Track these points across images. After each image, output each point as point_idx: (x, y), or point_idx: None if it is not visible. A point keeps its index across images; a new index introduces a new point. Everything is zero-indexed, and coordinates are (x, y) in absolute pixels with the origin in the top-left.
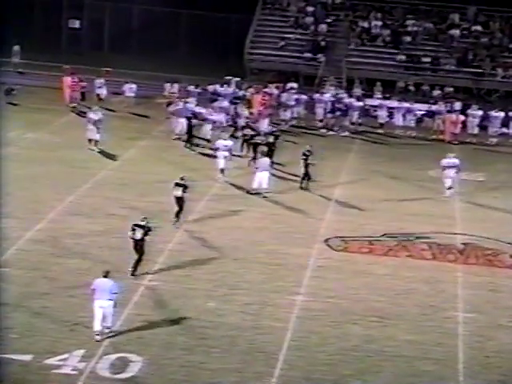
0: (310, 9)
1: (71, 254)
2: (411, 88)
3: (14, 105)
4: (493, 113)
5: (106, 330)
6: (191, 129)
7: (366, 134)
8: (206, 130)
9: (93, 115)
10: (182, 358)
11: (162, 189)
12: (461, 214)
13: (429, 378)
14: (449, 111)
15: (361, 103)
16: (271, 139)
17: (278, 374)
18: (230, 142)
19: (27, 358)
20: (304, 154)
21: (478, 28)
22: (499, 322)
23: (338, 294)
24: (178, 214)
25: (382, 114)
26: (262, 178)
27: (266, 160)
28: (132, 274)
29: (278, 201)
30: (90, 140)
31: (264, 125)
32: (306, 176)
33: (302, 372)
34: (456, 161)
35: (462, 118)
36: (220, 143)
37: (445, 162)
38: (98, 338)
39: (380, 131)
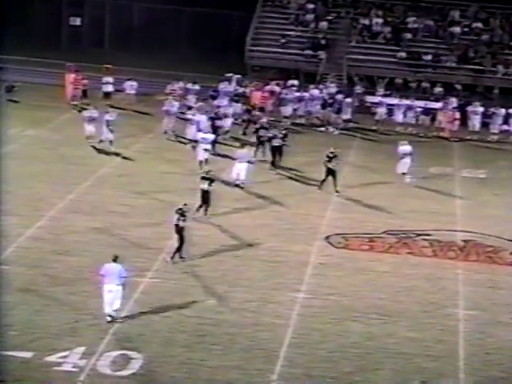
0: (311, 6)
1: (71, 252)
2: (412, 85)
3: (15, 102)
4: (493, 110)
5: (114, 314)
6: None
7: (365, 131)
8: (191, 130)
9: (108, 116)
10: (182, 356)
11: (163, 186)
12: (462, 211)
13: (429, 375)
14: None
15: (350, 99)
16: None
17: (278, 371)
18: (210, 136)
19: (28, 355)
20: (327, 156)
21: (479, 25)
22: (499, 318)
23: (339, 291)
24: (203, 208)
25: (381, 112)
26: (240, 170)
27: (245, 151)
28: (171, 258)
29: (278, 198)
30: (88, 137)
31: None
32: (330, 178)
33: (303, 369)
34: (410, 148)
35: (457, 114)
36: (200, 136)
37: (401, 149)
38: (108, 319)
39: (375, 128)
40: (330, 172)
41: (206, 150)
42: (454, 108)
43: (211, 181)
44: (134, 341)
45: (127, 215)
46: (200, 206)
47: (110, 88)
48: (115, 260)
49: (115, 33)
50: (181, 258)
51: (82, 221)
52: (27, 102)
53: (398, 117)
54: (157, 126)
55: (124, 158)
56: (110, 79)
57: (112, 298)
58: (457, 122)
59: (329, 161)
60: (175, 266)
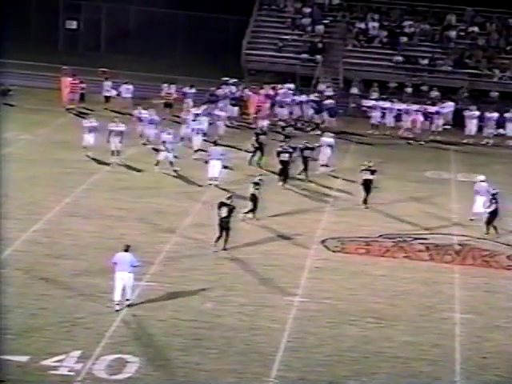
0: (307, 10)
1: (68, 255)
2: (408, 89)
3: (11, 106)
4: (487, 114)
5: (126, 302)
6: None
7: (360, 135)
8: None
9: (116, 128)
10: (178, 359)
11: (159, 190)
12: (458, 214)
13: (426, 379)
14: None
15: (330, 101)
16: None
17: (274, 374)
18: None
19: (24, 358)
20: (366, 170)
21: (475, 29)
22: (496, 322)
23: (335, 294)
24: (252, 211)
25: (376, 115)
26: (214, 167)
27: (218, 149)
28: (224, 249)
29: (274, 202)
30: (85, 147)
31: (264, 125)
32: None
33: (299, 373)
34: (332, 140)
35: (420, 117)
36: (164, 137)
37: (323, 140)
38: (117, 307)
39: (370, 132)
40: (366, 185)
41: (167, 150)
42: (417, 111)
43: (257, 184)
44: (130, 344)
45: (124, 219)
46: (251, 210)
47: (112, 92)
48: (127, 250)
49: (111, 36)
50: (224, 249)
51: (79, 224)
52: (23, 106)
53: (390, 121)
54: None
55: (120, 161)
56: (110, 84)
57: (123, 285)
58: (418, 125)
59: (370, 172)
60: (171, 269)
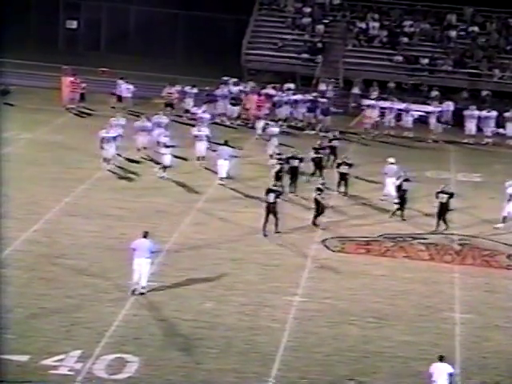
0: (307, 10)
1: (68, 255)
2: (406, 87)
3: (11, 105)
4: (484, 113)
5: (142, 290)
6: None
7: (361, 134)
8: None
9: (106, 134)
10: (178, 359)
11: (159, 190)
12: (458, 214)
13: (425, 379)
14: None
15: (323, 100)
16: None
17: (274, 374)
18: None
19: (24, 358)
20: (443, 192)
21: (475, 29)
22: (496, 322)
23: (335, 294)
24: (316, 217)
25: (374, 115)
26: (222, 166)
27: (228, 149)
28: (276, 232)
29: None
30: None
31: (260, 125)
32: (441, 218)
33: (299, 372)
34: (229, 150)
35: (374, 113)
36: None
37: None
38: (133, 287)
39: (372, 132)
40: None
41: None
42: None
43: (278, 193)
44: (130, 344)
45: (124, 218)
46: (316, 216)
47: (124, 92)
48: (145, 236)
49: (111, 36)
50: (277, 232)
51: (79, 224)
52: (23, 105)
53: (389, 121)
54: None
55: (120, 161)
56: (123, 82)
57: (141, 271)
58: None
59: (447, 197)
60: (171, 269)
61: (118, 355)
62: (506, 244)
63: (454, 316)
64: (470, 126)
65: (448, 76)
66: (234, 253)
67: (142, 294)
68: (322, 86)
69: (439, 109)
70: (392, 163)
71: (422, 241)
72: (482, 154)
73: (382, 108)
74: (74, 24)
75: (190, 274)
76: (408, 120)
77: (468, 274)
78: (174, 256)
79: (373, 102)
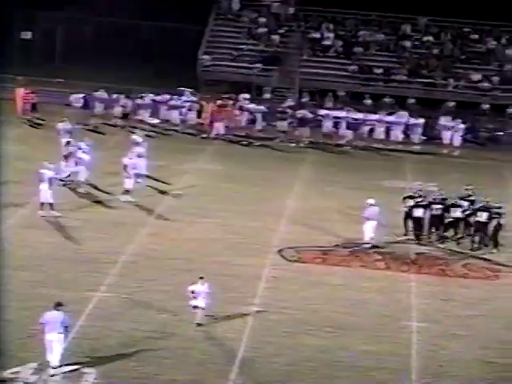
0: (263, 20)
1: (24, 266)
2: (367, 102)
3: None
4: (412, 120)
5: (52, 371)
6: None
7: (317, 144)
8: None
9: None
10: (135, 370)
11: (114, 200)
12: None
13: None
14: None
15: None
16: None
17: None
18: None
19: None
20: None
21: (430, 39)
22: (452, 331)
23: (292, 304)
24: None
25: (328, 125)
26: (369, 228)
27: (376, 209)
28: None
29: (230, 212)
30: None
31: (220, 131)
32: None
33: (257, 383)
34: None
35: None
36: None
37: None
38: (51, 372)
39: (327, 141)
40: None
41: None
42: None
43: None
44: (87, 355)
45: (80, 229)
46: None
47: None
48: (57, 307)
49: (67, 47)
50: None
51: (35, 235)
52: None
53: (343, 130)
54: (111, 140)
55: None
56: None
57: (54, 347)
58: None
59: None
60: (128, 280)
61: (75, 367)
62: (461, 253)
63: (411, 325)
64: (446, 137)
65: (402, 86)
66: (190, 263)
67: (52, 376)
68: (266, 95)
69: (392, 118)
70: (372, 205)
71: (378, 250)
72: (441, 163)
73: (336, 117)
74: (28, 35)
75: (147, 285)
76: (363, 129)
77: (424, 282)
78: (131, 266)
79: (326, 111)
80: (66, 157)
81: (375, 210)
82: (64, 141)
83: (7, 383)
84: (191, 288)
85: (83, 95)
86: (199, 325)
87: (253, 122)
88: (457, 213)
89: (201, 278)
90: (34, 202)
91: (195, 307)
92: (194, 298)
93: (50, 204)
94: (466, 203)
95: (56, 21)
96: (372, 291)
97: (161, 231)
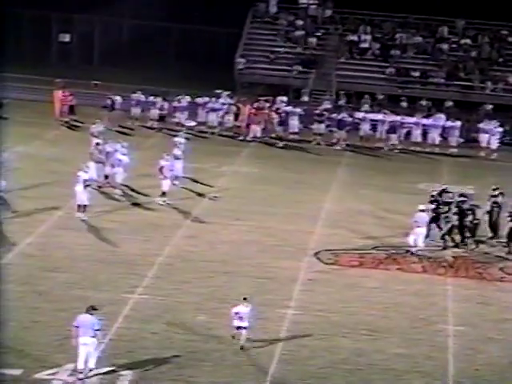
0: (300, 22)
1: (61, 268)
2: (403, 104)
3: (4, 119)
4: (449, 122)
5: (90, 373)
6: None
7: (354, 146)
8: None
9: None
10: (171, 372)
11: (151, 202)
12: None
13: None
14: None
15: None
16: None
17: None
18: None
19: (17, 372)
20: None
21: (467, 41)
22: (489, 335)
23: (328, 307)
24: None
25: (365, 128)
26: (418, 234)
27: (424, 215)
28: None
29: (265, 214)
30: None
31: (257, 133)
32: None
33: None
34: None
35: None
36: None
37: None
38: (80, 376)
39: (360, 144)
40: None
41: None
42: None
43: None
44: (123, 357)
45: (116, 231)
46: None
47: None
48: (90, 311)
49: (104, 49)
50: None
51: (72, 237)
52: (16, 119)
53: (381, 133)
54: (146, 142)
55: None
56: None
57: (87, 352)
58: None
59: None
60: (164, 282)
61: (111, 369)
62: (498, 256)
63: (447, 328)
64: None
65: (440, 89)
66: (226, 266)
67: (88, 378)
68: (305, 98)
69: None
70: (422, 210)
71: (415, 253)
72: (477, 166)
73: (373, 120)
74: (67, 37)
75: (183, 287)
76: (401, 132)
77: (461, 286)
78: (167, 269)
79: (364, 114)
80: (96, 159)
81: (424, 216)
82: (94, 142)
83: None
84: (235, 310)
85: (109, 97)
86: (242, 348)
87: (288, 124)
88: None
89: (244, 298)
90: (71, 204)
91: (239, 328)
92: (240, 319)
93: (84, 206)
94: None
95: (94, 23)
96: (408, 294)
97: (197, 233)
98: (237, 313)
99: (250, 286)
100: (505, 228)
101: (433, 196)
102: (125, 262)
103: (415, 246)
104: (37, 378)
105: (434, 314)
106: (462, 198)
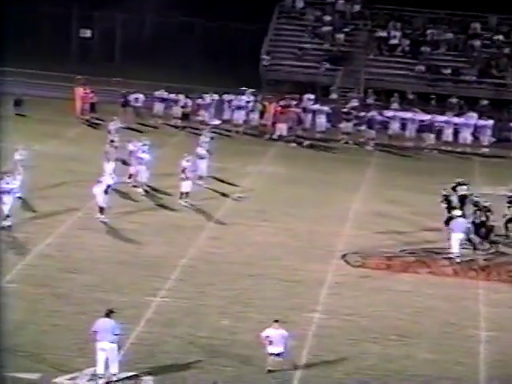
0: (328, 18)
1: (81, 270)
2: (433, 102)
3: (23, 116)
4: (481, 121)
5: (114, 378)
6: None
7: (382, 146)
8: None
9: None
10: (194, 377)
11: (174, 203)
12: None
13: None
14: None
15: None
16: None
17: None
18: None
19: (35, 376)
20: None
21: (500, 37)
22: None
23: (356, 311)
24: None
25: (394, 126)
26: (455, 240)
27: (462, 220)
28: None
29: (292, 215)
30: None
31: (283, 132)
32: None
33: None
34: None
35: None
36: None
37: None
38: (100, 382)
39: (389, 143)
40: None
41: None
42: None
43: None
44: (145, 362)
45: (138, 232)
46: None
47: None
48: (109, 315)
49: (126, 46)
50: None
51: (92, 238)
52: (35, 116)
53: (411, 131)
54: (170, 140)
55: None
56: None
57: (106, 357)
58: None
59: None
60: (187, 285)
61: (132, 373)
62: None
63: (478, 333)
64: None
65: (472, 86)
66: (251, 268)
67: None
68: (333, 96)
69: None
70: (459, 216)
71: (445, 256)
72: (508, 166)
73: (403, 119)
74: (88, 33)
75: (207, 290)
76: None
77: (493, 289)
78: (191, 271)
79: (393, 112)
80: (111, 157)
81: (461, 222)
82: (109, 139)
83: None
84: (265, 333)
85: (121, 93)
86: (270, 371)
87: (315, 123)
88: None
89: (275, 321)
90: (91, 205)
91: (272, 354)
92: (270, 343)
93: (102, 208)
94: None
95: (115, 20)
96: (438, 298)
97: (221, 235)
98: (267, 336)
99: (275, 289)
100: None
101: (444, 196)
102: (147, 265)
103: (454, 251)
104: (56, 382)
105: (464, 318)
106: (476, 199)
